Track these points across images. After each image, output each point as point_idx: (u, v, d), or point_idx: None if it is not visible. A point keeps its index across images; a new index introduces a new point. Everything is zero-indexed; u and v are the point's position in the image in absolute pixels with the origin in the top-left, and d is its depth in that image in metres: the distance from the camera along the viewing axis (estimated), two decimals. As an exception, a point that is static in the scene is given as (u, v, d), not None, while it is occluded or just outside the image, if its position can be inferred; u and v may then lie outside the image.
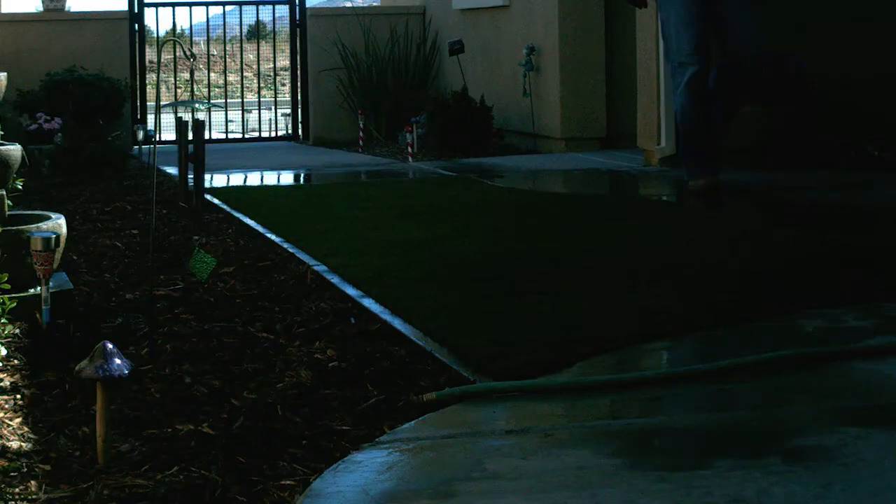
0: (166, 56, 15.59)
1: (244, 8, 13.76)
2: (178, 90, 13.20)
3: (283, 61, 15.25)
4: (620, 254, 5.08)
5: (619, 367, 3.40)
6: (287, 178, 8.64)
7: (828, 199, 6.64)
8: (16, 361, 3.70)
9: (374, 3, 15.97)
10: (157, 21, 43.34)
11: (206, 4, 12.63)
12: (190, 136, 7.14)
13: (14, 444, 2.92)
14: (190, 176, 7.31)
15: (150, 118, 11.70)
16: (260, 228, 6.07)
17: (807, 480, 2.49)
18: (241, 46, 14.88)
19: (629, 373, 3.27)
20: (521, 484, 2.51)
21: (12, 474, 2.72)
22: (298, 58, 12.32)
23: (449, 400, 3.11)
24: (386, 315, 4.06)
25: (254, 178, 8.88)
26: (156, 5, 12.24)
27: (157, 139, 4.24)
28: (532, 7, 10.18)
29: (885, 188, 6.96)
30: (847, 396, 3.09)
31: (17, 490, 2.63)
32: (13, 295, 4.00)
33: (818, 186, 7.13)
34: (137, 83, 11.72)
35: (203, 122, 7.15)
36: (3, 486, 2.65)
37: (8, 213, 4.61)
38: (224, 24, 13.24)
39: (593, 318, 3.90)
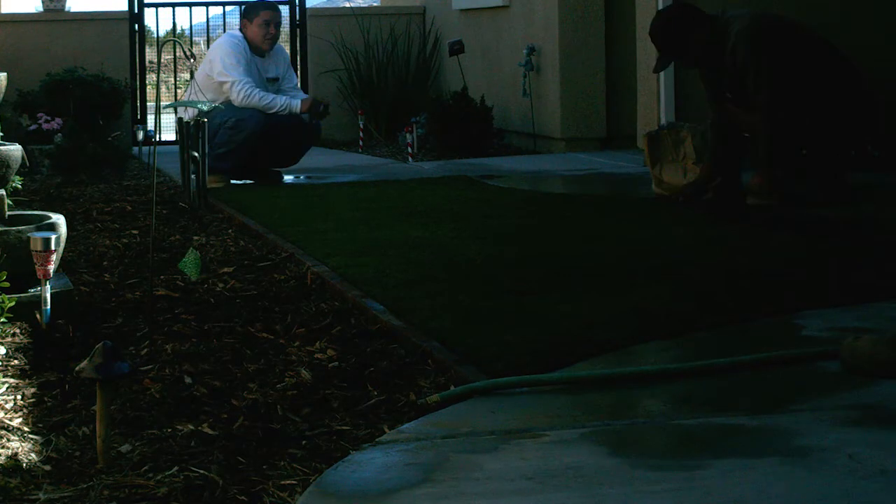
0: (166, 56, 15.59)
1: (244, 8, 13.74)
2: (178, 90, 13.20)
3: (283, 61, 15.23)
4: (620, 254, 5.08)
5: (620, 367, 3.40)
6: (287, 178, 8.63)
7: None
8: (16, 361, 3.70)
9: (374, 4, 15.97)
10: (157, 21, 43.38)
11: (206, 4, 12.63)
12: (187, 137, 7.14)
13: (14, 445, 2.92)
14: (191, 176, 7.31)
15: (150, 118, 11.70)
16: (260, 228, 6.07)
17: (807, 480, 2.50)
18: (241, 46, 14.85)
19: (631, 367, 3.28)
20: (521, 484, 2.51)
21: (12, 474, 2.72)
22: (298, 58, 12.32)
23: (452, 400, 3.11)
24: (386, 315, 4.06)
25: (254, 179, 8.86)
26: (156, 5, 12.24)
27: (157, 139, 4.24)
28: (532, 7, 10.18)
29: (884, 188, 6.96)
30: (846, 396, 3.09)
31: (16, 490, 2.63)
32: (13, 295, 4.01)
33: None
34: (137, 83, 11.72)
35: (204, 122, 7.15)
36: (2, 486, 2.64)
37: (8, 213, 4.61)
38: (224, 24, 13.23)
39: (593, 318, 3.90)
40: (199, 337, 3.96)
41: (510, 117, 10.59)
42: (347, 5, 13.55)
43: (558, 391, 3.19)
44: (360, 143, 10.99)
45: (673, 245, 5.26)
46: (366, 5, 15.78)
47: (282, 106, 8.13)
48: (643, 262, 4.84)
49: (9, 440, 2.96)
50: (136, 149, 10.40)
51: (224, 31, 13.19)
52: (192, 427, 3.02)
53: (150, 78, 13.83)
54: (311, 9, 12.52)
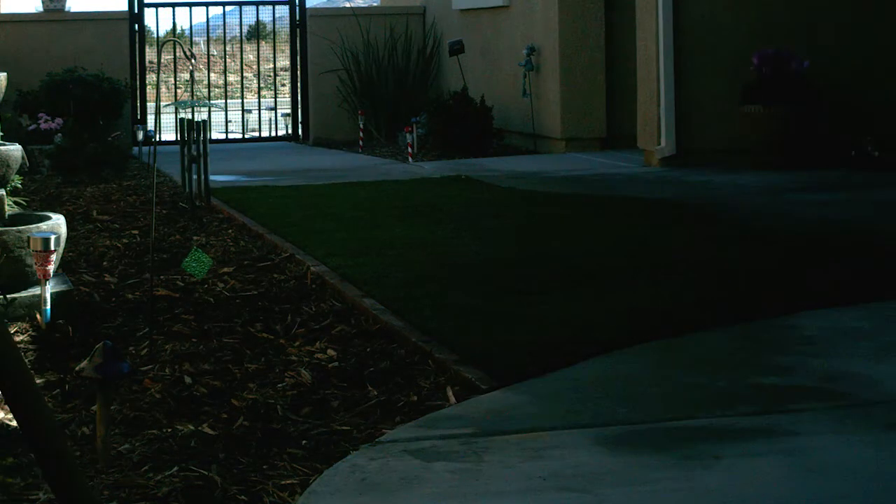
0: (166, 56, 15.59)
1: (244, 8, 13.75)
2: (178, 90, 13.20)
3: (283, 61, 15.26)
4: (620, 254, 5.08)
5: (620, 368, 3.40)
6: (287, 178, 8.63)
7: (828, 199, 6.64)
8: (16, 361, 3.70)
9: (374, 4, 15.97)
10: (157, 21, 43.34)
11: (206, 4, 12.63)
12: (189, 137, 7.14)
13: (15, 444, 2.92)
14: (190, 176, 7.31)
15: (151, 118, 11.70)
16: (260, 229, 6.07)
17: (807, 480, 2.50)
18: (241, 46, 14.88)
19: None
20: (522, 484, 2.51)
21: (13, 474, 2.72)
22: (298, 58, 12.32)
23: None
24: (386, 315, 4.06)
25: (254, 179, 8.87)
26: (156, 5, 12.25)
27: (157, 139, 4.24)
28: (532, 7, 10.18)
29: (883, 188, 6.97)
30: (846, 397, 3.09)
31: (17, 490, 2.63)
32: (13, 295, 4.01)
33: (819, 187, 7.13)
34: (137, 83, 11.72)
35: (205, 122, 7.15)
36: (3, 485, 2.65)
37: (8, 213, 4.61)
38: (224, 24, 13.23)
39: (593, 318, 3.90)
40: (199, 337, 3.96)
41: (510, 117, 10.59)
42: (347, 5, 13.55)
43: (559, 392, 3.18)
44: (360, 143, 10.99)
45: (672, 245, 5.26)
46: (366, 5, 15.78)
47: None
48: (643, 262, 4.84)
49: (9, 440, 2.96)
50: (135, 149, 10.40)
51: (224, 31, 13.20)
52: (192, 427, 3.02)
53: (150, 78, 13.84)
54: (311, 9, 12.52)
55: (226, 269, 5.08)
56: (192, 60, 9.60)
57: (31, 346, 3.87)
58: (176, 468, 2.73)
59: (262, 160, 10.24)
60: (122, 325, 4.16)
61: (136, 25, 11.80)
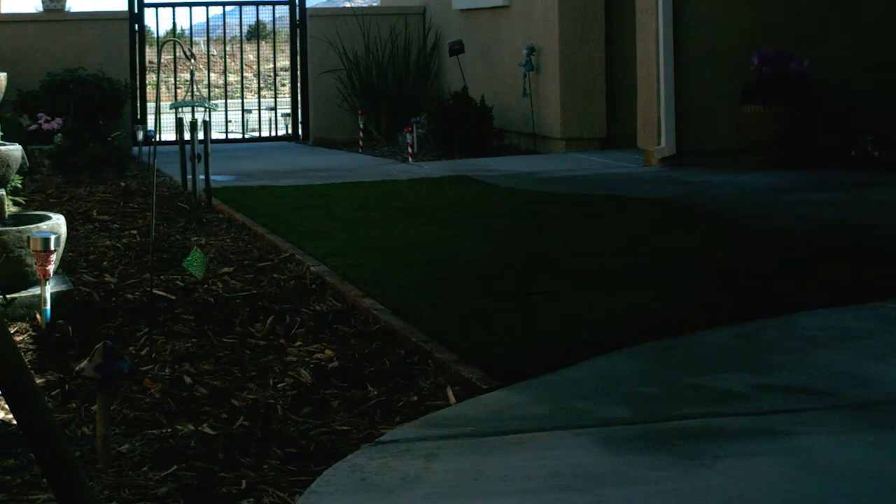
0: (166, 56, 15.59)
1: (244, 8, 13.75)
2: (179, 90, 13.20)
3: (283, 61, 15.26)
4: (620, 254, 5.08)
5: (620, 367, 3.40)
6: (287, 178, 8.63)
7: (829, 199, 6.64)
8: (16, 361, 3.70)
9: (374, 4, 15.97)
10: (157, 21, 43.33)
11: (206, 4, 12.63)
12: (191, 136, 7.14)
13: (14, 444, 2.92)
14: (190, 176, 7.31)
15: (151, 118, 11.70)
16: (260, 229, 6.07)
17: (806, 480, 2.50)
18: (241, 46, 14.88)
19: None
20: (522, 484, 2.51)
21: (13, 474, 2.72)
22: (298, 58, 12.32)
23: None
24: (386, 315, 4.06)
25: (254, 179, 8.87)
26: (156, 5, 12.25)
27: (157, 139, 4.24)
28: (532, 7, 10.18)
29: (883, 188, 6.96)
30: (846, 397, 3.09)
31: (17, 490, 2.63)
32: (13, 295, 4.01)
33: (820, 187, 7.13)
34: (137, 83, 11.72)
35: (206, 122, 7.15)
36: (3, 485, 2.64)
37: (8, 213, 4.61)
38: (224, 24, 13.23)
39: (593, 318, 3.90)
40: (199, 337, 3.96)
41: (510, 117, 10.59)
42: (347, 5, 13.54)
43: (559, 391, 3.18)
44: (360, 143, 10.99)
45: (671, 245, 5.26)
46: (366, 5, 15.78)
47: None
48: (642, 262, 4.84)
49: (9, 440, 2.96)
50: (135, 149, 10.40)
51: (224, 31, 13.20)
52: (192, 427, 3.02)
53: (150, 78, 13.83)
54: (311, 9, 12.52)
55: (226, 269, 5.08)
56: (192, 60, 9.61)
57: (31, 346, 3.87)
58: (176, 468, 2.73)
59: (262, 160, 10.24)
60: (122, 325, 4.16)
61: (136, 25, 11.80)
